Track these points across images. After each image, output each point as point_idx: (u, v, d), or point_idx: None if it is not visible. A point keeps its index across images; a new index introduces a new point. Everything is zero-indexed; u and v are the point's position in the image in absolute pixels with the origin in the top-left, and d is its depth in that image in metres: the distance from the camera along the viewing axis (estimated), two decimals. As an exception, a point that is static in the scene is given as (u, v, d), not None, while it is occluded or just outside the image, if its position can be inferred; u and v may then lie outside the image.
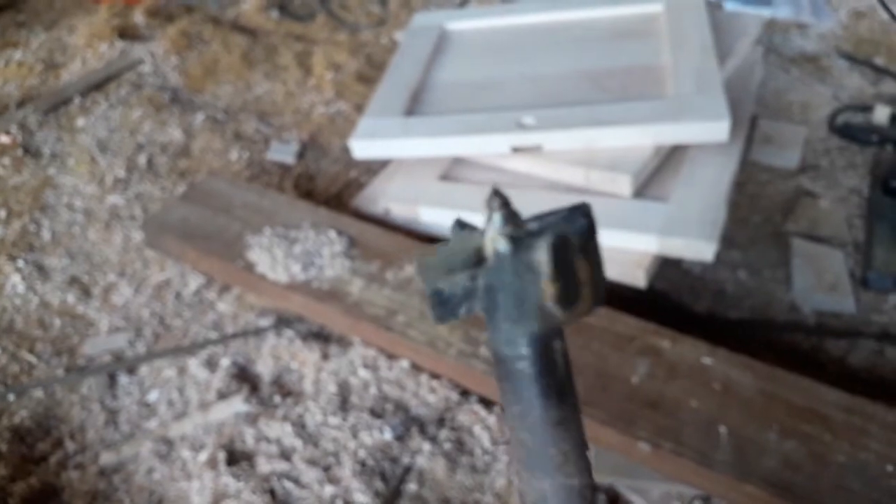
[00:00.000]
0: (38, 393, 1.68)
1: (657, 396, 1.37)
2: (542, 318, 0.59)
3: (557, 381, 0.63)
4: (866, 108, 2.21)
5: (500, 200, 0.57)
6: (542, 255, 0.56)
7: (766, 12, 2.58)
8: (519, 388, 0.63)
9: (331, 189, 2.18)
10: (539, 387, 0.62)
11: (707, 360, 1.41)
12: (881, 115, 2.15)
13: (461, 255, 0.60)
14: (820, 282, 1.79)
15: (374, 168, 2.14)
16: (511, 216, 0.58)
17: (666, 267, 1.73)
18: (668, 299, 1.77)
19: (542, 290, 0.57)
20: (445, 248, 0.62)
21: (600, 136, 1.71)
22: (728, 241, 1.84)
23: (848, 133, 2.15)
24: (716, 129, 1.66)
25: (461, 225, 0.64)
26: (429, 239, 1.84)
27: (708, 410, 1.34)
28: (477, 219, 0.62)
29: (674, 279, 1.80)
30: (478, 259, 0.59)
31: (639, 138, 1.70)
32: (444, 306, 0.60)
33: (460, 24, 2.27)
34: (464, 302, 0.60)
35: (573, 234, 0.58)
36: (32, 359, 1.76)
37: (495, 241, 0.57)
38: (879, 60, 2.42)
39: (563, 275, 0.57)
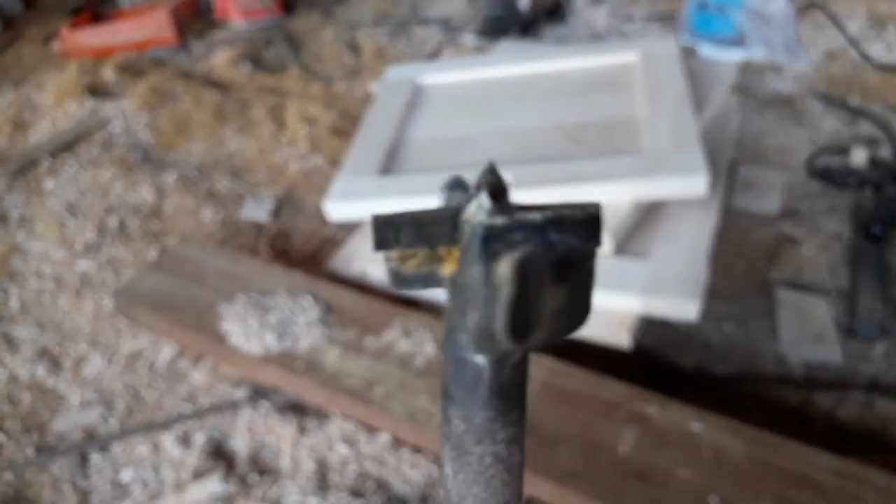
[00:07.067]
0: (8, 475, 1.61)
1: (646, 467, 1.32)
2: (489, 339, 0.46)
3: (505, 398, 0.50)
4: (843, 151, 2.20)
5: (492, 177, 0.44)
6: (504, 270, 0.43)
7: (739, 54, 2.59)
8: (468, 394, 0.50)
9: (307, 247, 2.13)
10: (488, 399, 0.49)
11: (695, 427, 1.37)
12: (858, 157, 2.14)
13: (435, 226, 0.46)
14: (806, 332, 1.77)
15: (351, 225, 2.10)
16: (500, 197, 0.44)
17: (651, 321, 1.70)
18: (653, 356, 1.74)
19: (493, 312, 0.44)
20: (423, 213, 0.47)
21: (578, 193, 1.68)
22: (713, 292, 1.81)
23: (826, 176, 2.14)
24: (694, 183, 1.64)
25: (455, 185, 0.48)
26: (407, 302, 1.80)
27: (698, 480, 1.30)
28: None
29: (659, 334, 1.77)
30: (452, 233, 0.45)
31: (617, 195, 1.68)
32: (401, 283, 0.48)
33: (433, 77, 2.25)
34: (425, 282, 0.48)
35: (557, 252, 0.43)
36: (1, 437, 1.70)
37: (474, 218, 0.43)
38: (853, 101, 2.43)
39: (521, 302, 0.44)
